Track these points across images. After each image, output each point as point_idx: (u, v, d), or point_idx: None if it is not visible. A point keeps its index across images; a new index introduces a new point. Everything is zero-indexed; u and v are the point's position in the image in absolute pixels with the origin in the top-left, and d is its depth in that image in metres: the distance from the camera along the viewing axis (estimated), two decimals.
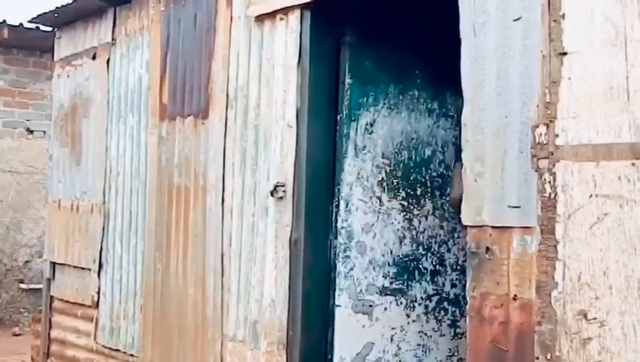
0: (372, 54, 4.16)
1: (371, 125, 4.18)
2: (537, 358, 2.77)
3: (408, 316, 4.25)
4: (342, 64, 4.11)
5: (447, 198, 4.16)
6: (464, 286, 3.26)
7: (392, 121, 4.23)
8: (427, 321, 4.30)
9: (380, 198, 4.20)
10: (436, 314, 4.33)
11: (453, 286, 4.38)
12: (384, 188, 4.21)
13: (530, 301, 2.82)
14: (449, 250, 4.38)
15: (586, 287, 2.63)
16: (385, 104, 4.21)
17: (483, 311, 2.99)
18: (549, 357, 2.73)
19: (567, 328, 2.68)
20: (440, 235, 4.36)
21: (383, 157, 4.21)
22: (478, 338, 3.02)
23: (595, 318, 2.60)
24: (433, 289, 4.31)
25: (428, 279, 4.30)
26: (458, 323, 4.34)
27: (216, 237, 4.53)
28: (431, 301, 4.30)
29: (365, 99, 4.15)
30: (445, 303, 4.35)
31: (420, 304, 4.29)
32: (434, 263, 4.32)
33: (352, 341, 4.06)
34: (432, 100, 4.34)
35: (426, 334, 4.29)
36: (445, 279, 4.34)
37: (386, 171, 4.22)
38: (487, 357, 2.98)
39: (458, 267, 4.34)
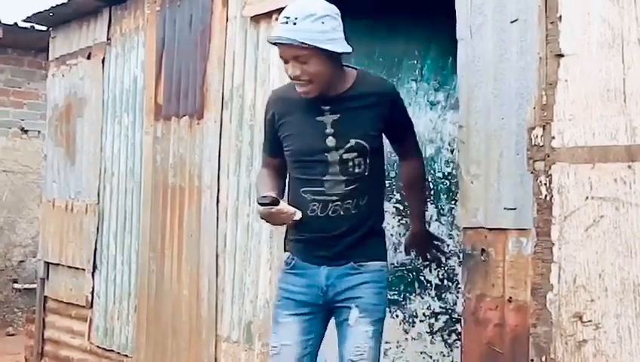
0: (359, 50, 3.91)
1: None
2: (532, 360, 2.76)
3: (406, 331, 3.89)
4: None
5: (457, 202, 3.84)
6: None
7: None
8: (432, 342, 3.82)
9: None
10: (445, 337, 3.80)
11: None
12: None
13: (526, 303, 2.81)
14: (461, 264, 3.66)
15: (581, 290, 2.63)
16: None
17: (478, 313, 2.99)
18: (543, 359, 2.72)
19: (563, 330, 2.67)
20: (448, 245, 3.76)
21: None
22: (472, 340, 3.01)
23: (590, 321, 2.60)
24: (440, 307, 3.81)
25: (432, 294, 3.83)
26: None
27: (210, 237, 4.52)
28: (437, 320, 3.82)
29: None
30: (458, 326, 3.71)
31: (422, 321, 3.85)
32: (440, 277, 3.82)
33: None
34: (435, 92, 3.92)
35: (430, 357, 3.81)
36: (457, 297, 3.74)
37: None
38: (482, 359, 2.97)
39: None
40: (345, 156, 2.81)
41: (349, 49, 2.81)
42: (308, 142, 2.86)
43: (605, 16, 2.61)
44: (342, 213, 2.82)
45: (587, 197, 2.62)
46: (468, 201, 3.05)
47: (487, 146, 2.98)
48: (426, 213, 3.79)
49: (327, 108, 2.84)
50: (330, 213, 2.82)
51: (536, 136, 2.77)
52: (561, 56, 2.72)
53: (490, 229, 2.96)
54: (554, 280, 2.70)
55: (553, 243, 2.71)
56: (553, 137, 2.72)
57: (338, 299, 2.83)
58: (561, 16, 2.73)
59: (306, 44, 2.66)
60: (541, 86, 2.77)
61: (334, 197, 2.82)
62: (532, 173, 2.79)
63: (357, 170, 2.81)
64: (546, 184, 2.74)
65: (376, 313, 2.81)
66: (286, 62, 2.76)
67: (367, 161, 2.83)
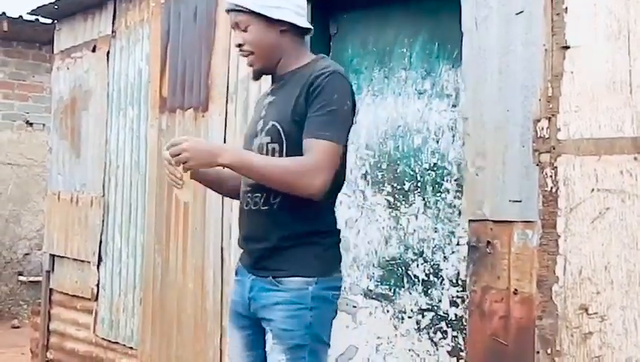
0: (355, 41, 3.98)
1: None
2: (538, 352, 2.77)
3: (396, 328, 3.69)
4: None
5: (444, 195, 3.52)
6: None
7: (376, 108, 3.84)
8: (419, 340, 3.58)
9: (363, 192, 3.88)
10: (431, 334, 3.54)
11: (453, 304, 3.46)
12: (368, 182, 3.87)
13: (531, 295, 2.82)
14: (446, 259, 3.50)
15: (587, 282, 2.63)
16: (369, 91, 3.89)
17: (483, 306, 2.99)
18: (549, 351, 2.73)
19: (568, 322, 2.67)
20: (433, 239, 3.56)
21: (366, 149, 3.86)
22: (478, 332, 3.01)
23: (596, 313, 2.60)
24: (427, 304, 3.56)
25: (419, 290, 3.60)
26: (462, 353, 3.36)
27: (215, 230, 4.52)
28: (423, 316, 3.57)
29: None
30: (443, 324, 3.49)
31: (410, 317, 3.63)
32: (426, 272, 3.57)
33: (335, 340, 3.33)
34: (422, 79, 3.66)
35: (418, 355, 3.57)
36: (442, 294, 3.50)
37: (369, 163, 3.86)
38: (487, 351, 2.98)
39: (459, 281, 3.42)
40: (262, 140, 2.49)
41: (291, 19, 2.51)
42: (249, 128, 2.66)
43: (611, 7, 2.61)
44: (252, 206, 2.50)
45: (593, 190, 2.62)
46: (473, 193, 3.05)
47: (493, 138, 2.97)
48: (413, 205, 3.67)
49: (272, 88, 2.60)
50: (244, 205, 2.54)
51: (542, 128, 2.77)
52: (567, 48, 2.72)
53: (496, 221, 2.96)
54: (559, 272, 2.71)
55: (559, 236, 2.71)
56: (559, 129, 2.73)
57: (259, 316, 2.49)
58: (566, 8, 2.73)
59: (240, 6, 2.49)
60: (547, 78, 2.77)
61: (248, 187, 2.53)
62: (537, 165, 2.79)
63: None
64: (551, 176, 2.74)
65: (290, 340, 2.40)
66: (234, 30, 2.58)
67: (284, 149, 2.43)
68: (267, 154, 2.45)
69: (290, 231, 2.43)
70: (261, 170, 2.38)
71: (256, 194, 2.48)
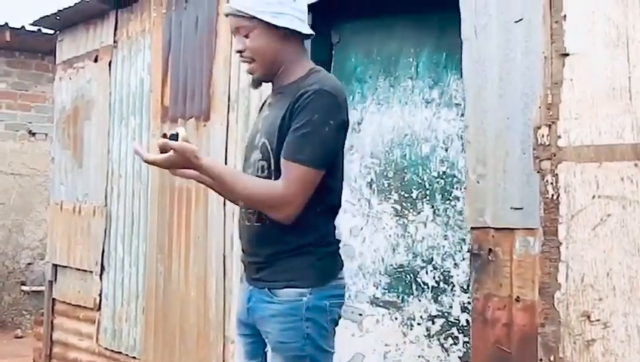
0: (358, 50, 3.99)
1: (359, 123, 3.92)
2: (541, 360, 2.77)
3: (405, 334, 3.70)
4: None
5: (452, 202, 3.55)
6: None
7: (381, 117, 3.86)
8: (429, 346, 3.59)
9: (369, 201, 3.90)
10: (442, 341, 3.55)
11: (464, 310, 3.48)
12: (374, 190, 3.89)
13: (533, 302, 2.81)
14: (456, 265, 3.53)
15: (589, 289, 2.63)
16: (373, 100, 3.90)
17: (486, 313, 2.99)
18: (552, 358, 2.72)
19: (571, 330, 2.67)
20: (443, 246, 3.58)
21: (371, 157, 3.89)
22: (481, 339, 3.01)
23: (598, 320, 2.60)
24: (437, 310, 3.58)
25: (429, 297, 3.62)
26: None
27: (218, 239, 4.52)
28: (434, 323, 3.59)
29: (351, 97, 3.88)
30: (454, 330, 3.50)
31: (420, 324, 3.64)
32: (436, 279, 3.60)
33: (340, 348, 3.36)
34: (430, 89, 3.70)
35: (428, 361, 3.60)
36: (453, 300, 3.52)
37: (375, 172, 3.88)
38: (491, 358, 2.97)
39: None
40: (255, 156, 2.47)
41: (294, 25, 2.44)
42: (249, 140, 2.61)
43: (610, 14, 2.61)
44: (247, 222, 2.50)
45: (594, 196, 2.62)
46: (474, 201, 3.05)
47: (493, 146, 2.98)
48: (422, 212, 3.68)
49: (270, 101, 2.56)
50: (242, 220, 2.55)
51: (542, 136, 2.78)
52: (566, 55, 2.72)
53: (497, 229, 2.96)
54: (562, 279, 2.71)
55: (560, 243, 2.71)
56: (559, 136, 2.73)
57: (258, 327, 2.49)
58: (565, 16, 2.73)
59: (242, 12, 2.41)
60: (546, 85, 2.78)
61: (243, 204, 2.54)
62: (538, 172, 2.79)
63: (259, 175, 2.42)
64: (552, 183, 2.74)
65: (288, 352, 2.38)
66: (234, 36, 2.50)
67: (272, 167, 2.40)
68: (258, 171, 2.44)
69: (283, 245, 2.41)
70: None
71: (250, 210, 2.48)
